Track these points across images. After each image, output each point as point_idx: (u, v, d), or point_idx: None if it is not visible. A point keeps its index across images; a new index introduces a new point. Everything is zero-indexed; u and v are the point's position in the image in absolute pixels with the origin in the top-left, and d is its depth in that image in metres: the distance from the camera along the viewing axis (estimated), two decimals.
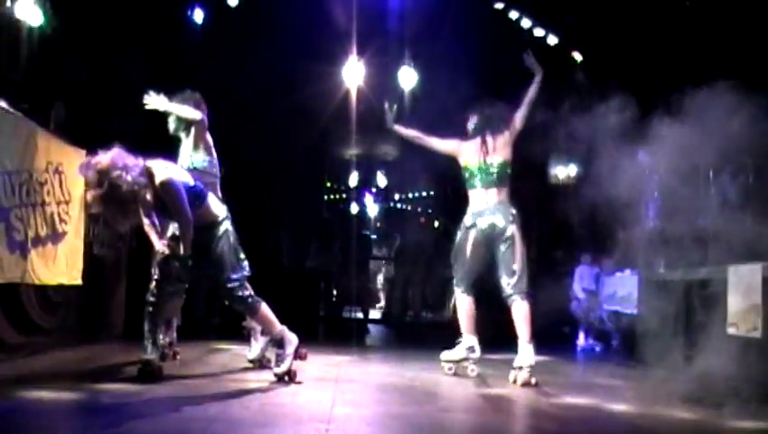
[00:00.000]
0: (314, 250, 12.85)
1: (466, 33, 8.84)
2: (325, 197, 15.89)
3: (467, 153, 5.75)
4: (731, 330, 5.83)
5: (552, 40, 10.05)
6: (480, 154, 5.68)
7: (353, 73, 8.05)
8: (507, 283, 5.52)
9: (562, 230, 10.52)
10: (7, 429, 3.22)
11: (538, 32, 10.06)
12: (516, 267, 5.52)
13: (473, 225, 5.64)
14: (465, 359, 5.77)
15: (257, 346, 5.55)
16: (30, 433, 3.25)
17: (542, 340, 9.22)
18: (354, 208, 16.03)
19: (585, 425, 4.21)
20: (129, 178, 4.38)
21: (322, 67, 9.02)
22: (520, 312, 5.51)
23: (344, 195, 16.36)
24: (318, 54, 8.94)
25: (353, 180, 15.20)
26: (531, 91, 5.71)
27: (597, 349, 9.32)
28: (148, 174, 4.60)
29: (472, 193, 5.73)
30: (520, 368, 5.40)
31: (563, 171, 11.40)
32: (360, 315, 14.26)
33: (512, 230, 5.54)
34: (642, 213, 7.72)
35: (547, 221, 11.01)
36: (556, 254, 11.15)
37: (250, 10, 9.26)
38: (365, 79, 9.23)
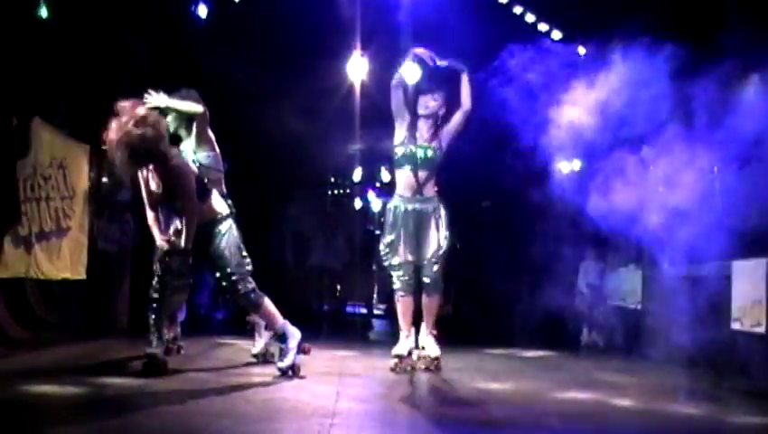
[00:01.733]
0: (318, 245, 12.86)
1: (471, 27, 8.83)
2: (329, 192, 15.86)
3: None
4: (735, 325, 5.83)
5: (556, 34, 10.02)
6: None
7: (357, 68, 8.04)
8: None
9: (566, 224, 10.51)
10: (12, 424, 3.23)
11: (542, 26, 10.03)
12: None
13: None
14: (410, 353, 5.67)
15: (261, 341, 5.56)
16: (34, 428, 3.26)
17: (546, 335, 9.28)
18: (358, 203, 16.01)
19: (589, 420, 4.21)
20: (153, 134, 4.57)
21: (325, 62, 9.01)
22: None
23: (348, 190, 16.33)
24: (322, 49, 8.93)
25: (357, 175, 15.17)
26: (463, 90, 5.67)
27: (601, 344, 9.31)
28: (163, 152, 4.66)
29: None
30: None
31: (566, 165, 11.37)
32: (363, 310, 14.27)
33: None
34: (647, 208, 7.71)
35: (550, 216, 10.99)
36: (559, 249, 11.14)
37: (253, 5, 9.24)
38: (369, 74, 9.21)
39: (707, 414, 4.49)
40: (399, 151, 5.61)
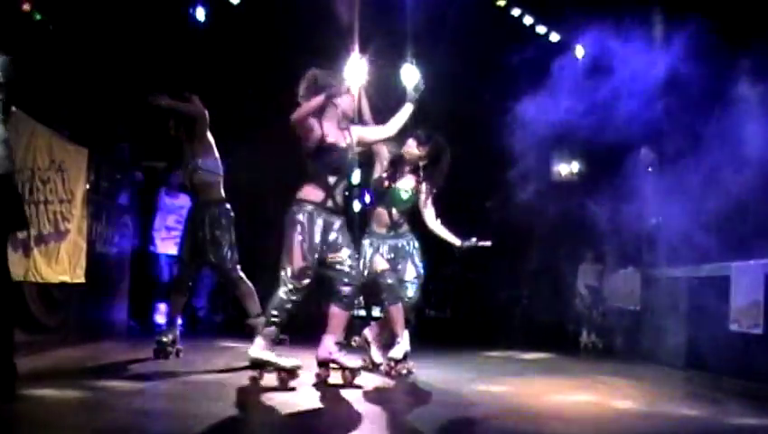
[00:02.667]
0: None
1: (468, 29, 8.84)
2: None
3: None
4: (733, 326, 5.83)
5: (554, 37, 10.03)
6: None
7: (356, 71, 8.06)
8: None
9: (565, 226, 10.53)
10: (11, 427, 3.23)
11: (540, 29, 10.04)
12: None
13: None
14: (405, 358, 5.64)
15: None
16: (33, 431, 3.26)
17: (545, 337, 9.30)
18: (357, 206, 16.02)
19: (588, 422, 4.21)
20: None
21: (324, 64, 9.04)
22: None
23: (346, 193, 16.35)
24: (320, 51, 8.95)
25: (355, 178, 15.21)
26: (441, 232, 5.68)
27: (600, 346, 9.32)
28: None
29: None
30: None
31: (565, 168, 11.40)
32: (362, 312, 14.26)
33: None
34: (645, 210, 7.73)
35: (550, 218, 10.99)
36: (558, 251, 11.15)
37: (252, 8, 9.26)
38: (367, 76, 9.21)
39: (705, 415, 4.50)
40: (377, 188, 5.65)
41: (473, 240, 5.58)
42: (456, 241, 5.61)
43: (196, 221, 5.62)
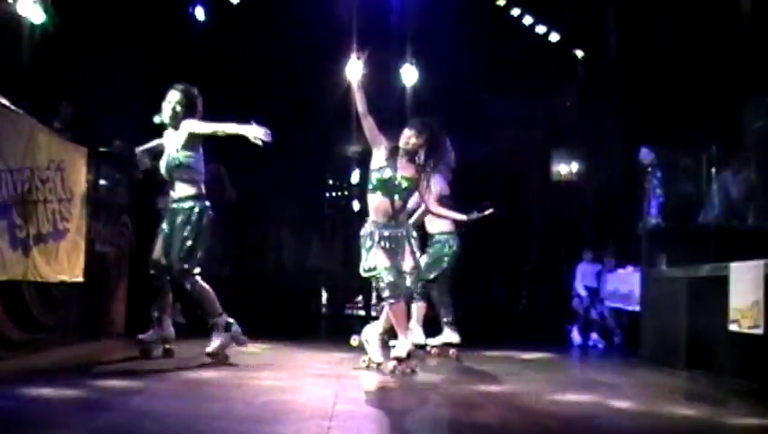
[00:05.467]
0: (316, 247, 12.85)
1: (468, 29, 8.85)
2: (327, 194, 15.86)
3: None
4: (733, 327, 5.82)
5: (554, 37, 10.03)
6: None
7: (355, 70, 8.09)
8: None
9: (564, 226, 10.53)
10: (9, 426, 3.23)
11: (540, 28, 10.05)
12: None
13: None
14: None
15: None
16: (32, 430, 3.25)
17: (545, 337, 9.29)
18: (356, 205, 16.03)
19: (587, 422, 4.21)
20: None
21: (323, 64, 9.05)
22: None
23: (346, 193, 16.35)
24: (319, 51, 8.95)
25: (355, 177, 15.21)
26: (445, 212, 6.12)
27: (599, 346, 9.32)
28: None
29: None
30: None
31: (564, 168, 11.39)
32: (361, 312, 14.27)
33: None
34: (644, 210, 7.73)
35: (548, 218, 11.00)
36: (557, 251, 11.15)
37: (251, 7, 9.26)
38: (367, 76, 9.22)
39: (705, 415, 4.49)
40: (376, 176, 5.65)
41: (475, 212, 5.88)
42: (462, 217, 5.91)
43: (171, 219, 5.49)
